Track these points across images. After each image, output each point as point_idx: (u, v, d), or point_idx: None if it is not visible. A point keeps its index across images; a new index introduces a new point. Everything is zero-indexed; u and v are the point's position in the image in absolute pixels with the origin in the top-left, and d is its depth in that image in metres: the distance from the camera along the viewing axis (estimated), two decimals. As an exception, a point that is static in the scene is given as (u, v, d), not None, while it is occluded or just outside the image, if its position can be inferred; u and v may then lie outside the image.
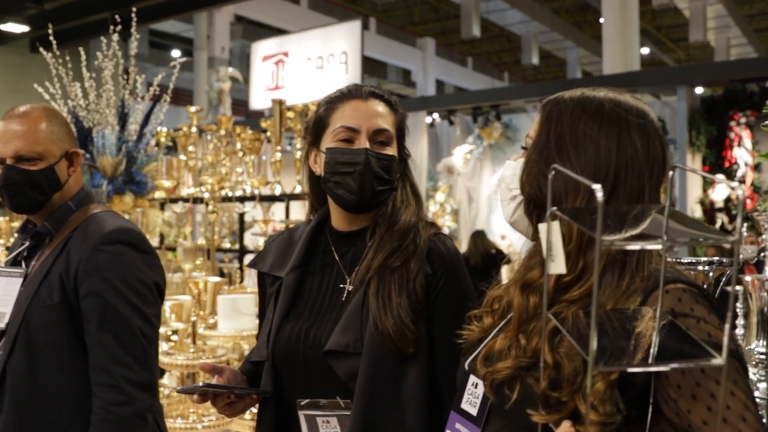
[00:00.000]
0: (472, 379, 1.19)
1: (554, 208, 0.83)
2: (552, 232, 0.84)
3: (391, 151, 1.61)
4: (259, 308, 1.75)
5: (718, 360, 0.72)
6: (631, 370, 0.73)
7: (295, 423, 1.51)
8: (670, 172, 0.94)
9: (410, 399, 1.48)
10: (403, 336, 1.47)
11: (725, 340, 0.73)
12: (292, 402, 1.54)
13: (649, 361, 0.73)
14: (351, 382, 1.48)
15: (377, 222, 1.60)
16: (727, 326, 0.75)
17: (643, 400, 0.98)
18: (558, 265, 0.85)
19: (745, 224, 2.10)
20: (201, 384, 1.51)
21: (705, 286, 1.52)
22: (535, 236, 1.19)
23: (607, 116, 1.14)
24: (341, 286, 1.60)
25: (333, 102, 1.64)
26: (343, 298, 1.58)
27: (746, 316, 1.71)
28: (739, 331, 1.78)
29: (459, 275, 1.57)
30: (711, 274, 1.45)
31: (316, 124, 1.65)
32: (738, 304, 1.80)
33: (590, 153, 1.12)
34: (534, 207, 1.17)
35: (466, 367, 1.21)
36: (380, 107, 1.62)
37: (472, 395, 1.18)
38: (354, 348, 1.48)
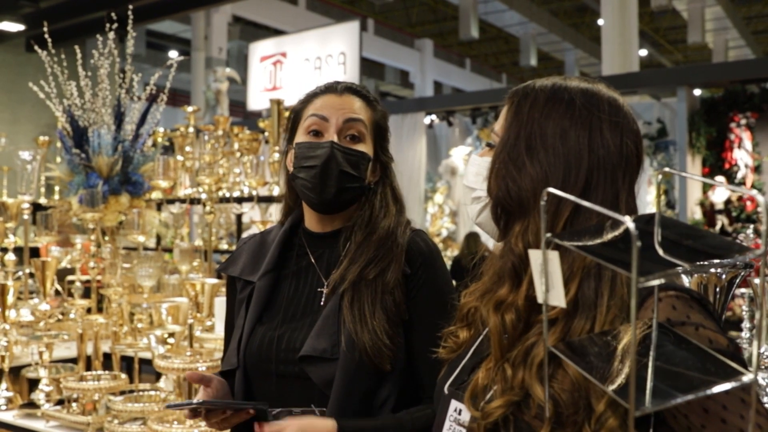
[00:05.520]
0: (454, 404, 1.11)
1: (549, 235, 0.74)
2: (550, 262, 0.75)
3: (364, 148, 1.54)
4: (227, 316, 1.68)
5: (749, 376, 0.67)
6: (675, 403, 0.66)
7: None
8: (659, 176, 0.86)
9: (385, 412, 1.44)
10: (380, 352, 1.41)
11: (755, 353, 0.68)
12: None
13: (682, 389, 0.67)
14: (327, 389, 1.42)
15: (354, 225, 1.53)
16: (755, 342, 0.71)
17: (648, 417, 0.92)
18: (556, 296, 0.76)
19: (751, 226, 2.06)
20: (195, 401, 1.43)
21: (717, 289, 1.48)
22: (501, 238, 1.11)
23: (579, 112, 1.04)
24: (319, 289, 1.53)
25: (309, 97, 1.59)
26: (321, 302, 1.52)
27: (753, 319, 1.67)
28: (746, 334, 1.74)
29: (438, 271, 1.53)
30: (724, 276, 1.40)
31: (292, 120, 1.60)
32: (744, 307, 1.77)
33: (560, 153, 1.02)
34: (502, 212, 1.08)
35: (446, 390, 1.14)
36: (355, 102, 1.56)
37: (456, 422, 1.10)
38: (331, 354, 1.42)
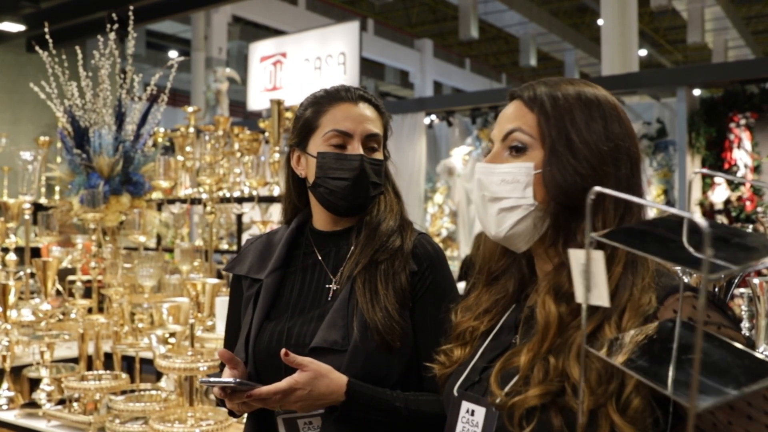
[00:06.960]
0: (466, 405, 1.12)
1: (593, 234, 0.71)
2: (593, 262, 0.72)
3: (380, 155, 1.61)
4: (228, 314, 1.71)
5: None
6: (731, 398, 0.65)
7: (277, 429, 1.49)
8: (689, 178, 0.87)
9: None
10: (391, 329, 1.47)
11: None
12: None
13: (733, 385, 0.66)
14: None
15: (362, 223, 1.60)
16: None
17: (666, 416, 0.94)
18: (599, 295, 0.73)
19: (750, 226, 2.07)
20: (231, 379, 1.45)
21: (716, 289, 1.50)
22: (553, 244, 1.11)
23: (597, 109, 1.10)
24: (327, 286, 1.58)
25: (320, 103, 1.61)
26: (329, 298, 1.56)
27: (752, 319, 1.68)
28: (745, 334, 1.75)
29: (444, 273, 1.59)
30: (723, 276, 1.41)
31: (303, 126, 1.62)
32: (743, 307, 1.77)
33: (587, 151, 1.07)
34: (561, 213, 1.07)
35: (456, 392, 1.14)
36: (369, 111, 1.60)
37: (469, 423, 1.11)
38: (342, 345, 1.47)
